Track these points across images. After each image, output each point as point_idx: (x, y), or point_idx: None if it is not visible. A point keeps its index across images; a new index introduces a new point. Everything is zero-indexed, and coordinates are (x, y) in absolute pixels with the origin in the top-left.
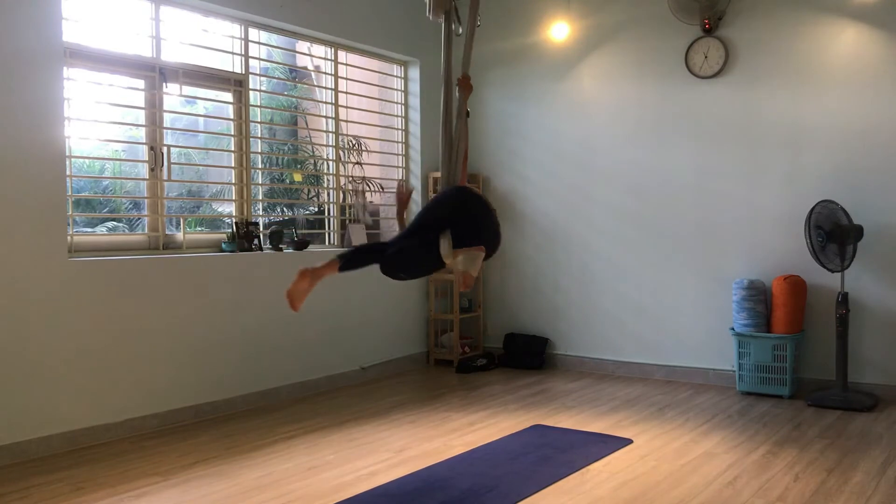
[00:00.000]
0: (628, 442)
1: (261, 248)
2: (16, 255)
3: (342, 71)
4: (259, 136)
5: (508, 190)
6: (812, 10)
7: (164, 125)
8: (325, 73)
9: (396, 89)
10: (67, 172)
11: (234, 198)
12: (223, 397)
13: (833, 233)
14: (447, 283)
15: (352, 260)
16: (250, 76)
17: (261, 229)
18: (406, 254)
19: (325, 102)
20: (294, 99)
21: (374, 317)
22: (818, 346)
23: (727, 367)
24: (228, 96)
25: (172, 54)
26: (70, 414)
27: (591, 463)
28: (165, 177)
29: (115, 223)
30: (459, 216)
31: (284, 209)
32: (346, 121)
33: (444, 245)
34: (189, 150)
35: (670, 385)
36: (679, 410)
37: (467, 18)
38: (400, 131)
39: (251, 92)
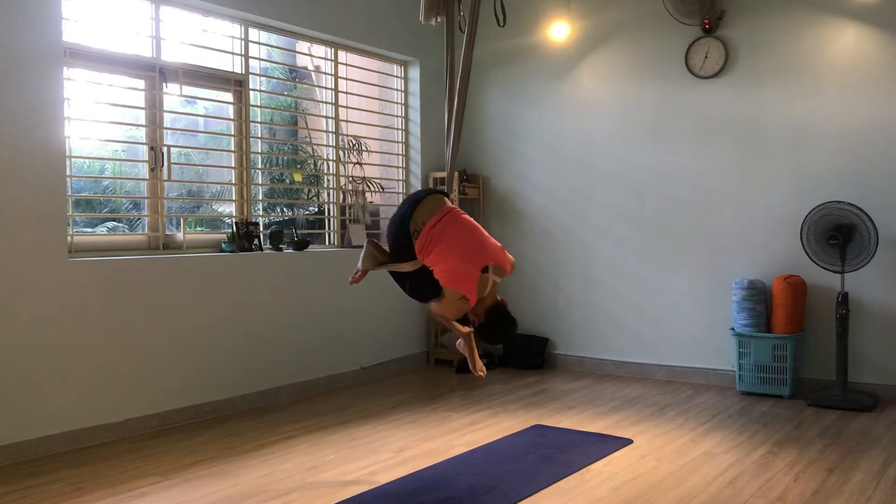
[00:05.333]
0: (628, 442)
1: (261, 249)
2: (16, 255)
3: (342, 71)
4: (259, 136)
5: (508, 190)
6: (812, 10)
7: (164, 125)
8: (325, 73)
9: (396, 89)
10: (67, 172)
11: (234, 198)
12: (223, 397)
13: (835, 234)
14: None
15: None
16: (250, 76)
17: (261, 229)
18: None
19: (325, 102)
20: (294, 99)
21: (374, 317)
22: (818, 346)
23: (727, 367)
24: (228, 96)
25: (172, 54)
26: (70, 414)
27: (591, 463)
28: (165, 177)
29: (115, 223)
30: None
31: (284, 209)
32: (346, 121)
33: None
34: (189, 150)
35: (670, 385)
36: (679, 410)
37: (468, 19)
38: (400, 131)
39: (251, 92)
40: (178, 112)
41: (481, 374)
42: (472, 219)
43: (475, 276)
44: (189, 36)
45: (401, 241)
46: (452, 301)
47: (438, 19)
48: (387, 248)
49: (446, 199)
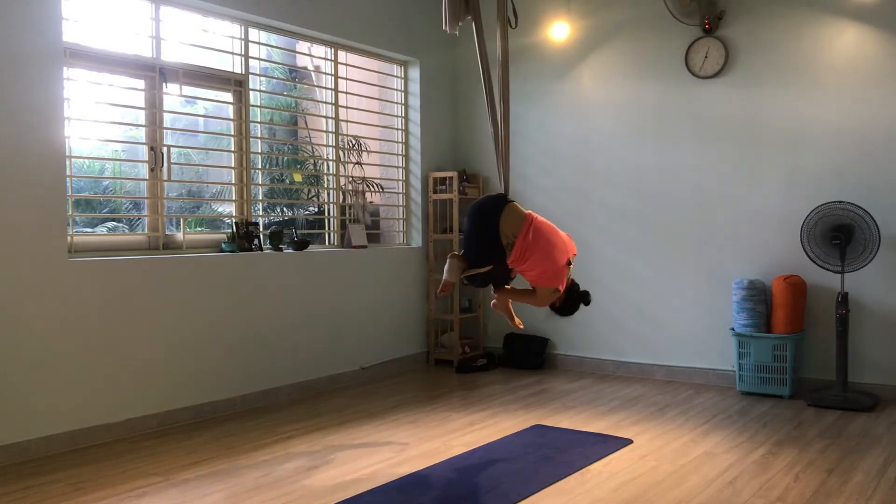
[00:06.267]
0: (628, 442)
1: (261, 249)
2: (16, 255)
3: (342, 71)
4: (259, 136)
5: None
6: (812, 10)
7: (164, 125)
8: (325, 73)
9: (396, 89)
10: (67, 172)
11: (234, 198)
12: (223, 397)
13: (837, 234)
14: None
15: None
16: (250, 76)
17: (261, 229)
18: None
19: (325, 102)
20: (294, 99)
21: (374, 317)
22: (818, 346)
23: (727, 367)
24: (228, 96)
25: (172, 54)
26: (70, 414)
27: (591, 463)
28: (165, 177)
29: (115, 223)
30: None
31: (284, 209)
32: (346, 121)
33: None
34: (189, 150)
35: (670, 385)
36: (679, 410)
37: (500, 20)
38: (400, 131)
39: (251, 92)
40: (178, 112)
41: (521, 325)
42: (544, 219)
43: (564, 272)
44: (189, 36)
45: (491, 250)
46: (547, 295)
47: (461, 24)
48: (460, 253)
49: (516, 204)
